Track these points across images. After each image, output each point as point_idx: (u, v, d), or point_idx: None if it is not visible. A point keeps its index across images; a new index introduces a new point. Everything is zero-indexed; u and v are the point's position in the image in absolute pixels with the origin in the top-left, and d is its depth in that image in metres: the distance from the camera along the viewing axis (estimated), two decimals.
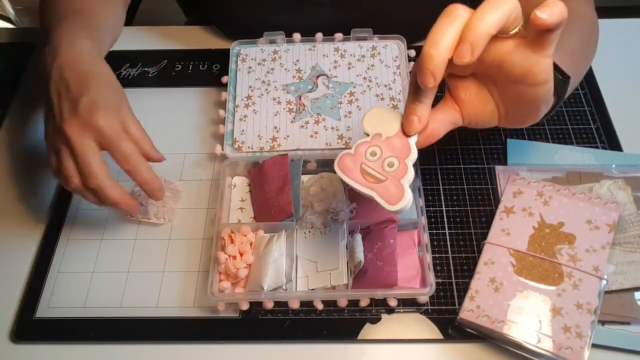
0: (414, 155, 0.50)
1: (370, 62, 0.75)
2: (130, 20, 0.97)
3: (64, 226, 0.67)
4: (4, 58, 0.85)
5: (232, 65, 0.76)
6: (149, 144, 0.58)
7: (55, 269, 0.64)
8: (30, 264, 0.65)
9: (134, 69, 0.81)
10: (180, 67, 0.82)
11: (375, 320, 0.60)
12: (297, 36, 0.78)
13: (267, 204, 0.64)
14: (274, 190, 0.64)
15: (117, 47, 0.86)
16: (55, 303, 0.62)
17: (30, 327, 0.60)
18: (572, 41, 0.62)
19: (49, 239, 0.66)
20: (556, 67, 0.52)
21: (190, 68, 0.81)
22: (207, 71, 0.81)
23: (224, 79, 0.76)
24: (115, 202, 0.56)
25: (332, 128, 0.70)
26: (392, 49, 0.77)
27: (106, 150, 0.55)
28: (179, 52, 0.83)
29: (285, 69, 0.76)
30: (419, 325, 0.59)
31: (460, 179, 0.69)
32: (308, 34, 0.78)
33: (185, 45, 0.85)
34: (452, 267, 0.63)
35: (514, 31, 0.45)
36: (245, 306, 0.60)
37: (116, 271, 0.64)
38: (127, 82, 0.80)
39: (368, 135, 0.51)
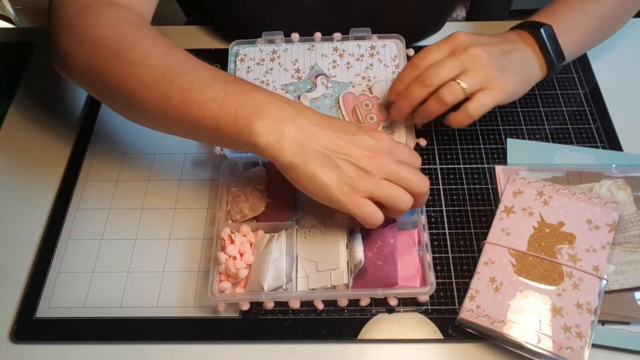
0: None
1: (369, 62, 0.75)
2: None
3: (64, 226, 0.67)
4: (4, 58, 0.85)
5: (231, 65, 0.76)
6: None
7: (55, 269, 0.64)
8: (30, 264, 0.65)
9: None
10: None
11: (376, 320, 0.60)
12: (295, 36, 0.77)
13: (268, 205, 0.64)
14: (276, 191, 0.64)
15: None
16: (55, 303, 0.62)
17: (30, 327, 0.60)
18: (595, 14, 0.67)
19: (49, 239, 0.66)
20: (556, 50, 0.62)
21: None
22: None
23: None
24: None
25: None
26: (391, 48, 0.77)
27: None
28: None
29: (284, 69, 0.76)
30: (419, 325, 0.59)
31: (460, 179, 0.69)
32: (307, 34, 0.78)
33: (185, 45, 0.84)
34: (452, 267, 0.63)
35: None
36: (245, 306, 0.60)
37: (116, 271, 0.64)
38: None
39: (372, 93, 0.72)
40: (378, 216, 0.53)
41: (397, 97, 0.63)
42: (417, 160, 0.57)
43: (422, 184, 0.54)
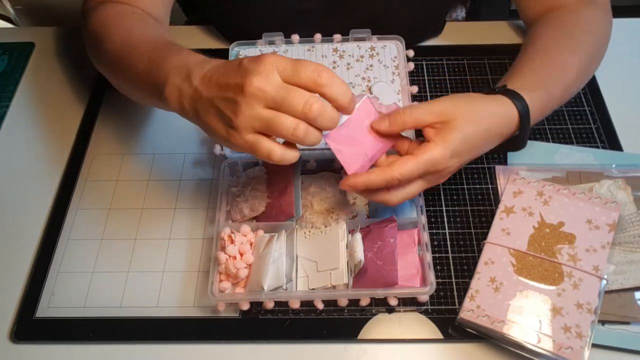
0: None
1: (369, 63, 0.75)
2: None
3: (64, 226, 0.67)
4: (4, 58, 0.85)
5: None
6: None
7: (55, 269, 0.64)
8: (30, 264, 0.65)
9: None
10: None
11: (376, 320, 0.60)
12: (295, 37, 0.77)
13: (268, 205, 0.64)
14: (276, 191, 0.64)
15: None
16: (55, 303, 0.62)
17: (30, 327, 0.60)
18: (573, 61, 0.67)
19: (49, 239, 0.66)
20: (526, 113, 0.60)
21: None
22: None
23: None
24: (346, 90, 0.49)
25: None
26: (391, 49, 0.77)
27: (291, 76, 0.48)
28: None
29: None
30: (419, 325, 0.59)
31: (460, 179, 0.69)
32: (307, 35, 0.78)
33: (185, 45, 0.83)
34: (452, 267, 0.63)
35: None
36: (245, 306, 0.60)
37: (116, 271, 0.64)
38: None
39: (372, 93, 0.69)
40: (264, 149, 0.48)
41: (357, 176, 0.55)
42: (308, 69, 0.48)
43: (307, 100, 0.47)
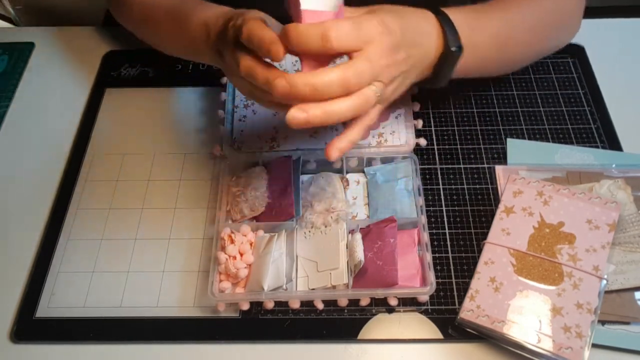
0: None
1: None
2: None
3: (64, 226, 0.67)
4: (4, 58, 0.85)
5: None
6: None
7: (55, 269, 0.64)
8: (30, 264, 0.65)
9: (133, 69, 0.81)
10: (180, 67, 0.81)
11: (376, 319, 0.60)
12: None
13: (268, 205, 0.64)
14: (276, 191, 0.64)
15: (116, 46, 0.86)
16: (55, 303, 0.62)
17: (30, 327, 0.60)
18: (517, 19, 0.65)
19: (49, 239, 0.66)
20: (451, 32, 0.58)
21: (190, 68, 0.81)
22: (206, 71, 0.81)
23: (224, 80, 0.75)
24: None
25: (331, 127, 0.70)
26: None
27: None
28: None
29: (284, 70, 0.76)
30: (419, 325, 0.59)
31: (460, 179, 0.69)
32: None
33: None
34: (452, 267, 0.63)
35: None
36: (245, 306, 0.60)
37: (116, 271, 0.64)
38: (126, 82, 0.80)
39: None
40: (245, 61, 0.51)
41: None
42: None
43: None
